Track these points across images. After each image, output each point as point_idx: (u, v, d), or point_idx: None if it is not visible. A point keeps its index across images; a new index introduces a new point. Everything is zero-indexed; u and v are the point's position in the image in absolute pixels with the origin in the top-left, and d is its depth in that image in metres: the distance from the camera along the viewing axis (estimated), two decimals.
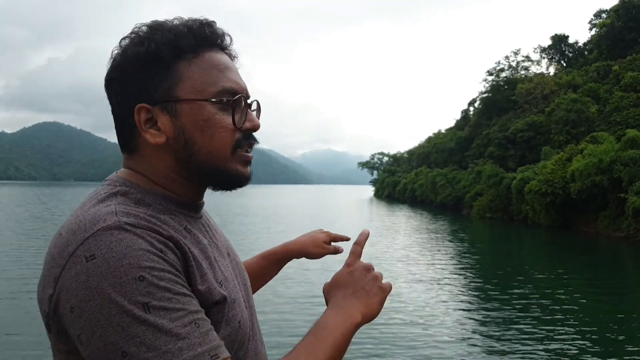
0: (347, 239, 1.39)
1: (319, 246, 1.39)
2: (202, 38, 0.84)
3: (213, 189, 0.90)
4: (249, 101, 0.89)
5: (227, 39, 0.90)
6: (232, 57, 0.91)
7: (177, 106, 0.82)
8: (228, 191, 0.91)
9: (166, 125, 0.82)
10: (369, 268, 1.01)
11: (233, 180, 0.87)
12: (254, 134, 0.89)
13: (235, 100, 0.84)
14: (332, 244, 1.42)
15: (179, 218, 0.83)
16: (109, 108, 0.88)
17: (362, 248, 1.06)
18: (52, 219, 33.63)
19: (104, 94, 0.89)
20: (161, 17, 0.90)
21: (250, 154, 0.88)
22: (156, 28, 0.83)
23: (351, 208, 60.99)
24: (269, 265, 1.36)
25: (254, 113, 0.91)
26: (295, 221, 36.82)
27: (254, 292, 1.15)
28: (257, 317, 1.01)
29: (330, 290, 0.98)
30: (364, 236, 1.08)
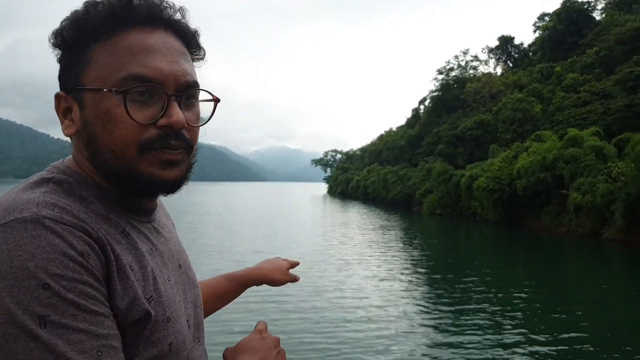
0: (297, 264, 1.39)
1: (283, 273, 1.32)
2: (122, 16, 0.70)
3: (130, 195, 0.75)
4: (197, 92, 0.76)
5: (171, 13, 0.74)
6: (183, 36, 0.76)
7: (82, 95, 0.71)
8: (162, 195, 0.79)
9: (76, 116, 0.72)
10: (278, 341, 0.96)
11: (146, 185, 0.72)
12: (183, 131, 0.72)
13: (142, 88, 0.68)
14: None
15: (118, 219, 0.72)
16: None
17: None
18: None
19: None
20: None
21: (174, 153, 0.72)
22: (78, 8, 0.72)
23: (306, 205, 60.68)
24: (233, 287, 1.26)
25: (194, 105, 0.77)
26: (250, 220, 36.04)
27: (211, 312, 1.15)
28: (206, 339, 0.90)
29: (236, 355, 0.90)
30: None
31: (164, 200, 0.92)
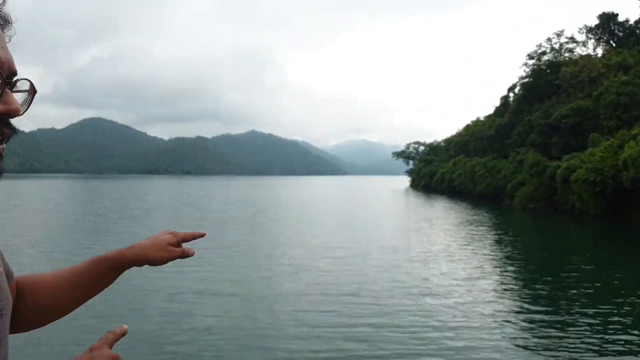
0: (203, 235, 1.17)
1: (162, 249, 1.09)
2: None
3: None
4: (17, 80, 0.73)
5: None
6: (3, 23, 0.73)
7: None
8: None
9: None
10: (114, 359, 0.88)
11: None
12: (12, 121, 0.70)
13: None
14: (184, 245, 1.14)
15: None
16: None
17: (117, 338, 0.92)
18: (96, 211, 34.63)
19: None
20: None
21: (2, 147, 0.70)
22: None
23: (387, 199, 60.04)
24: (100, 272, 1.06)
25: (20, 95, 0.74)
26: (330, 213, 36.40)
27: (80, 303, 1.04)
28: (9, 345, 0.82)
29: None
30: (121, 330, 0.93)
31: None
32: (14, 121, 0.70)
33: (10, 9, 0.73)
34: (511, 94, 64.48)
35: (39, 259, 15.73)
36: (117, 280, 1.11)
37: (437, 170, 75.49)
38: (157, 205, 42.98)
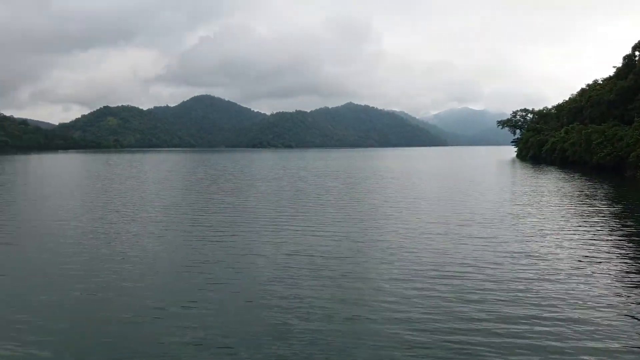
0: None
1: None
2: None
3: None
4: None
5: None
6: None
7: None
8: None
9: None
10: None
11: None
12: None
13: None
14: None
15: None
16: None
17: None
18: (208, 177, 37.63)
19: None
20: None
21: None
22: None
23: (492, 170, 57.61)
24: None
25: None
26: (434, 184, 36.01)
27: None
28: None
29: None
30: None
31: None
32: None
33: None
34: (637, 52, 57.49)
35: (173, 212, 18.07)
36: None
37: (547, 140, 70.38)
38: (261, 176, 45.12)
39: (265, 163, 77.32)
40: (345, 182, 38.08)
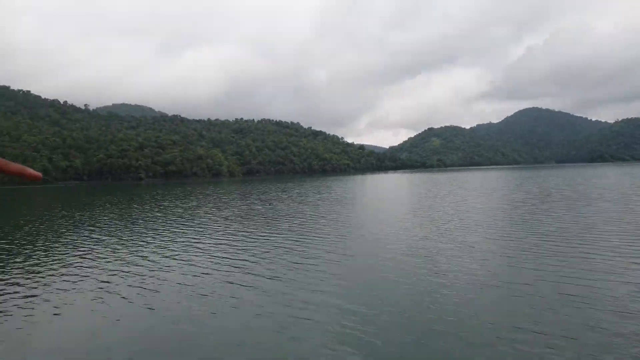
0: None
1: None
2: None
3: None
4: None
5: None
6: None
7: None
8: None
9: None
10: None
11: None
12: None
13: None
14: None
15: None
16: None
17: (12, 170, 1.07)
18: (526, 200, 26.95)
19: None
20: None
21: None
22: None
23: None
24: None
25: None
26: None
27: None
28: None
29: None
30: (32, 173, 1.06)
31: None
32: None
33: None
34: None
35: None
36: None
37: None
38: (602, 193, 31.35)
39: (608, 180, 58.30)
40: None
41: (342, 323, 7.83)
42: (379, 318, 7.97)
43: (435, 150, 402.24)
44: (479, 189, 50.61)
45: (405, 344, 7.00)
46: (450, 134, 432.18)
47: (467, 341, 6.99)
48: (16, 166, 1.10)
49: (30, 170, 1.11)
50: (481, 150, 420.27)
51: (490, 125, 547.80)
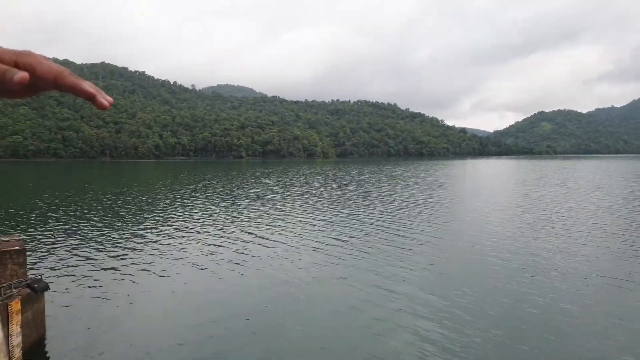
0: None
1: None
2: None
3: None
4: None
5: None
6: None
7: None
8: None
9: None
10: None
11: None
12: None
13: None
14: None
15: None
16: None
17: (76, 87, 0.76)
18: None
19: None
20: None
21: None
22: None
23: None
24: None
25: None
26: None
27: None
28: None
29: None
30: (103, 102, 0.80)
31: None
32: None
33: None
34: None
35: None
36: None
37: None
38: None
39: None
40: None
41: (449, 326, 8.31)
42: (478, 322, 7.63)
43: (545, 136, 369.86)
44: (594, 180, 45.37)
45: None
46: (564, 118, 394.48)
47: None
48: (88, 86, 0.77)
49: (102, 97, 0.78)
50: (599, 136, 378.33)
51: (612, 109, 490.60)
